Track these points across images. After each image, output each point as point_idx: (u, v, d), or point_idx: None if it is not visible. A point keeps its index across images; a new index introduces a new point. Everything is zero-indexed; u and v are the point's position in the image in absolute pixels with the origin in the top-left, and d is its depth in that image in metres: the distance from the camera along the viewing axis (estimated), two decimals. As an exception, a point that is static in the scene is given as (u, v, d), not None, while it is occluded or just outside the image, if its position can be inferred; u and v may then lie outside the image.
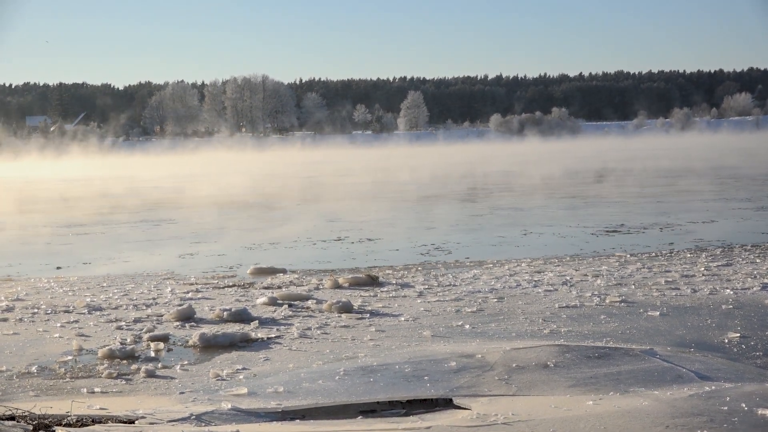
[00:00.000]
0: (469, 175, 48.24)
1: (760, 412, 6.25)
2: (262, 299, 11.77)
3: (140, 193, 39.21)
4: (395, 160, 75.14)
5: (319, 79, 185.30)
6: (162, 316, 10.94)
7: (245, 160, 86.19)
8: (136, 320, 10.69)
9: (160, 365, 8.52)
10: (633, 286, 12.11)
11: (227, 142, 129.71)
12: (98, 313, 11.27)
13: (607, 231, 19.49)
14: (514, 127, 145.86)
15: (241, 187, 40.94)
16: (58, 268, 15.97)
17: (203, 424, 6.58)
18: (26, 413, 6.87)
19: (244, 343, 9.41)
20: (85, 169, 73.54)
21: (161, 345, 9.32)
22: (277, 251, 17.64)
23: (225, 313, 10.72)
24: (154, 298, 12.22)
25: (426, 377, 7.70)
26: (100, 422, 6.68)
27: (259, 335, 9.69)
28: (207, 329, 9.91)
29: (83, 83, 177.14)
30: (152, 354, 9.03)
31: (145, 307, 11.56)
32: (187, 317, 10.72)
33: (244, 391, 7.46)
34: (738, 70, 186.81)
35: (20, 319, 10.91)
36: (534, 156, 76.38)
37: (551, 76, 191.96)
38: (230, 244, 18.97)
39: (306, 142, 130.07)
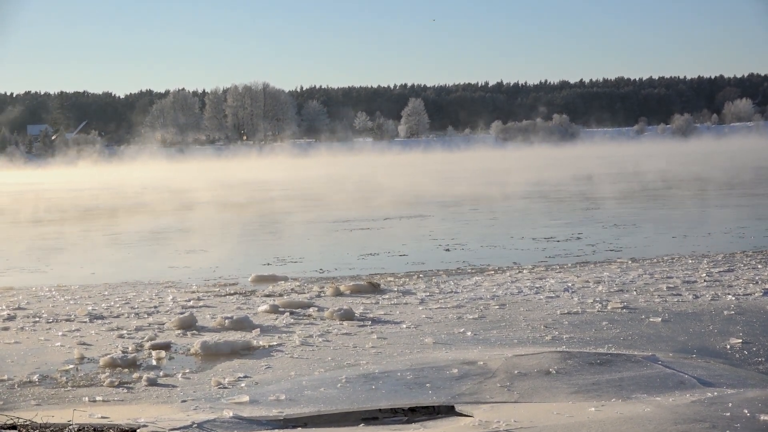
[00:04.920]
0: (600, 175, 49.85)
1: (762, 418, 6.24)
2: (264, 307, 11.77)
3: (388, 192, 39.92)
4: (499, 162, 76.79)
5: (320, 86, 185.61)
6: (163, 324, 10.94)
7: (339, 163, 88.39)
8: (138, 328, 10.69)
9: (161, 373, 8.52)
10: (635, 293, 12.10)
11: (263, 148, 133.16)
12: (99, 321, 11.27)
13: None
14: (515, 133, 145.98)
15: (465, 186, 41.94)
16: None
17: (205, 433, 6.58)
18: (28, 422, 6.87)
19: (246, 350, 9.40)
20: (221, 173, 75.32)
21: (163, 353, 9.31)
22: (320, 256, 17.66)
23: (226, 320, 10.72)
24: (155, 306, 12.22)
25: (428, 384, 7.70)
26: (101, 431, 6.68)
27: (261, 343, 9.68)
28: (208, 337, 9.90)
29: (84, 92, 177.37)
30: (154, 362, 9.03)
31: (146, 315, 11.56)
32: (189, 325, 10.71)
33: (246, 399, 7.45)
34: (738, 75, 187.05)
35: (22, 328, 10.91)
36: (610, 160, 77.09)
37: (552, 83, 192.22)
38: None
39: (345, 148, 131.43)
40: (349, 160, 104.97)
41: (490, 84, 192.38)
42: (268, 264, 16.82)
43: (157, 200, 40.22)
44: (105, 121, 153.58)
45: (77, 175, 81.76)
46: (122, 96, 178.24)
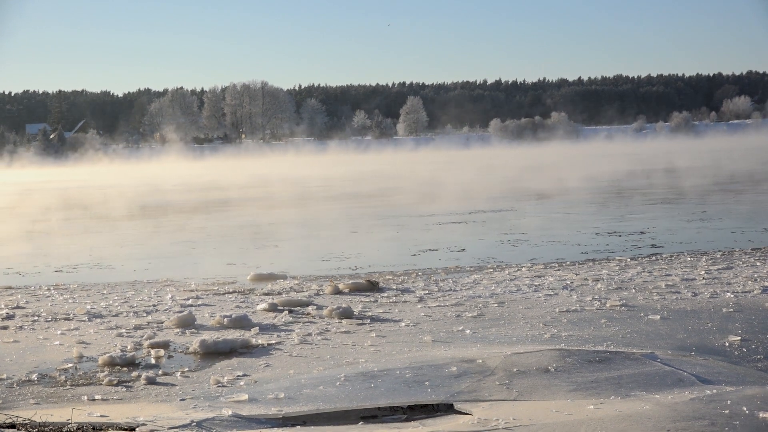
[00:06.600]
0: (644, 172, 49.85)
1: (761, 415, 6.25)
2: (263, 305, 11.78)
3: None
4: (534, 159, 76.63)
5: (319, 84, 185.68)
6: (162, 322, 10.94)
7: (387, 161, 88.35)
8: (137, 327, 10.69)
9: (160, 372, 8.52)
10: (633, 290, 12.11)
11: (273, 145, 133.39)
12: (98, 320, 11.27)
13: None
14: (514, 131, 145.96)
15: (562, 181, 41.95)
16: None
17: (204, 431, 6.58)
18: (27, 421, 6.87)
19: (245, 349, 9.40)
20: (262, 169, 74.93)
21: (162, 352, 9.31)
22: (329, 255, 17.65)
23: (225, 319, 10.72)
24: (154, 305, 12.22)
25: (427, 382, 7.70)
26: (100, 429, 6.68)
27: (260, 341, 9.68)
28: (207, 336, 9.90)
29: (83, 90, 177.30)
30: (153, 361, 9.03)
31: (145, 314, 11.55)
32: (188, 324, 10.71)
33: (245, 397, 7.46)
34: (737, 73, 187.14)
35: (20, 327, 10.91)
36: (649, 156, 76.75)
37: (550, 81, 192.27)
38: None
39: (362, 147, 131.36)
40: (367, 157, 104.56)
41: (489, 82, 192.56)
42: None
43: (239, 196, 39.91)
44: (103, 119, 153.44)
45: (111, 173, 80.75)
46: (120, 95, 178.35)
